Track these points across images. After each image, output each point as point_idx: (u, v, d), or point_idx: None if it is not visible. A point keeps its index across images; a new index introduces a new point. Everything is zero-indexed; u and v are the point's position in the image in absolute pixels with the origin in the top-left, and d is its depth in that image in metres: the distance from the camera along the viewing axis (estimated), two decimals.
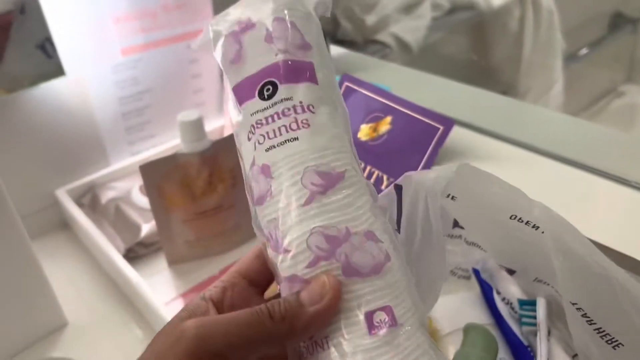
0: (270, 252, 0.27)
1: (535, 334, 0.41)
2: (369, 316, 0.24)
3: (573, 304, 0.32)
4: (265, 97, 0.28)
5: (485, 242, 0.39)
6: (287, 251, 0.25)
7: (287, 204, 0.26)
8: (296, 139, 0.27)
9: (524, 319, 0.42)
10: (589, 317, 0.32)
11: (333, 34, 1.05)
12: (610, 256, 0.39)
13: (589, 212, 0.44)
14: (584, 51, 1.45)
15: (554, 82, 1.32)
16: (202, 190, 0.57)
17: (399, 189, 0.32)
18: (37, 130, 0.62)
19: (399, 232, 0.33)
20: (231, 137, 0.30)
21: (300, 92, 0.27)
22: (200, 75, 0.72)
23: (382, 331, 0.24)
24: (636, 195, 0.45)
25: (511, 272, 0.43)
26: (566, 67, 1.34)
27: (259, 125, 0.27)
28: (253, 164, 0.27)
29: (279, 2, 0.29)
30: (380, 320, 0.24)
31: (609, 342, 0.31)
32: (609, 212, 0.44)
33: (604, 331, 0.31)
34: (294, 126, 0.27)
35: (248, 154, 0.28)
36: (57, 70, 0.59)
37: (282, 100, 0.27)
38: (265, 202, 0.27)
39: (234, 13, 0.31)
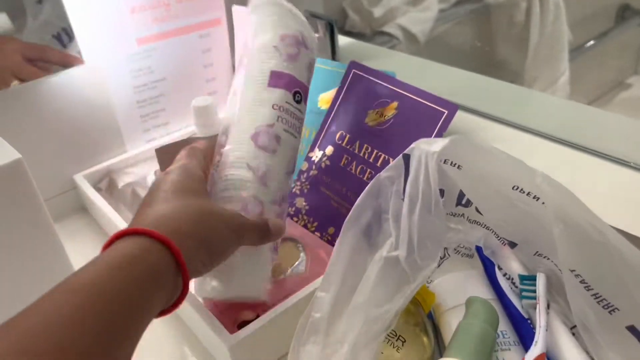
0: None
1: (535, 307, 0.42)
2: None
3: (572, 270, 0.34)
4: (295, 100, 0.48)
5: (489, 213, 0.41)
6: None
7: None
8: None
9: (524, 293, 0.43)
10: (586, 284, 0.33)
11: (341, 26, 1.07)
12: None
13: (593, 194, 0.45)
14: (591, 43, 1.46)
15: (561, 74, 1.33)
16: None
17: (406, 158, 0.35)
18: (56, 118, 0.64)
19: (403, 200, 0.35)
20: None
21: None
22: (212, 65, 0.74)
23: None
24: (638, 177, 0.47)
25: (513, 244, 0.45)
26: (573, 59, 1.34)
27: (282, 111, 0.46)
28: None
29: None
30: None
31: (606, 307, 0.33)
32: (612, 193, 0.45)
33: (600, 297, 0.33)
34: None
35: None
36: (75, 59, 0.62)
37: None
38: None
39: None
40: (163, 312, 0.35)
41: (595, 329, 0.36)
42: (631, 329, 0.33)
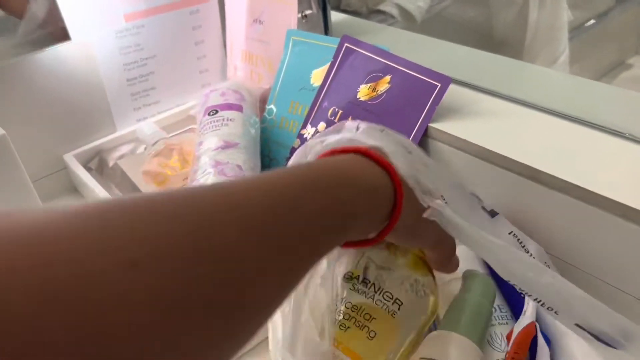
0: None
1: None
2: None
3: (508, 280, 0.33)
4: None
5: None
6: None
7: None
8: None
9: None
10: (524, 291, 0.32)
11: (337, 5, 1.05)
12: (616, 209, 0.40)
13: (588, 165, 0.45)
14: (591, 23, 1.44)
15: (560, 54, 1.31)
16: (180, 164, 0.61)
17: None
18: (44, 96, 0.63)
19: None
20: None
21: None
22: (203, 42, 0.73)
23: None
24: (634, 147, 0.46)
25: (493, 213, 0.44)
26: (573, 39, 1.32)
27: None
28: None
29: None
30: None
31: (549, 309, 0.32)
32: (608, 164, 0.44)
33: (541, 301, 0.32)
34: None
35: None
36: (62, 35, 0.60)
37: None
38: None
39: None
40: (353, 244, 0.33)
41: None
42: (579, 326, 0.32)
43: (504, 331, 0.41)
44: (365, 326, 0.37)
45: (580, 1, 1.36)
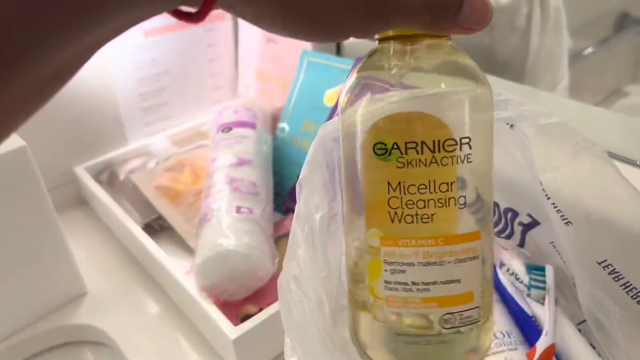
0: None
1: (540, 300, 0.42)
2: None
3: (600, 263, 0.34)
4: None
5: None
6: None
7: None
8: None
9: (533, 283, 0.43)
10: (617, 273, 0.33)
11: None
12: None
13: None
14: (589, 50, 1.47)
15: (560, 80, 1.33)
16: (192, 179, 0.61)
17: None
18: (57, 108, 0.63)
19: None
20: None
21: None
22: (216, 59, 0.73)
23: None
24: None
25: (535, 223, 0.43)
26: (571, 65, 1.35)
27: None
28: None
29: None
30: None
31: (635, 297, 0.32)
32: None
33: (630, 285, 0.32)
34: None
35: None
36: None
37: None
38: None
39: None
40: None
41: (614, 324, 0.35)
42: None
43: (515, 357, 0.41)
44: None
45: (579, 29, 1.40)
